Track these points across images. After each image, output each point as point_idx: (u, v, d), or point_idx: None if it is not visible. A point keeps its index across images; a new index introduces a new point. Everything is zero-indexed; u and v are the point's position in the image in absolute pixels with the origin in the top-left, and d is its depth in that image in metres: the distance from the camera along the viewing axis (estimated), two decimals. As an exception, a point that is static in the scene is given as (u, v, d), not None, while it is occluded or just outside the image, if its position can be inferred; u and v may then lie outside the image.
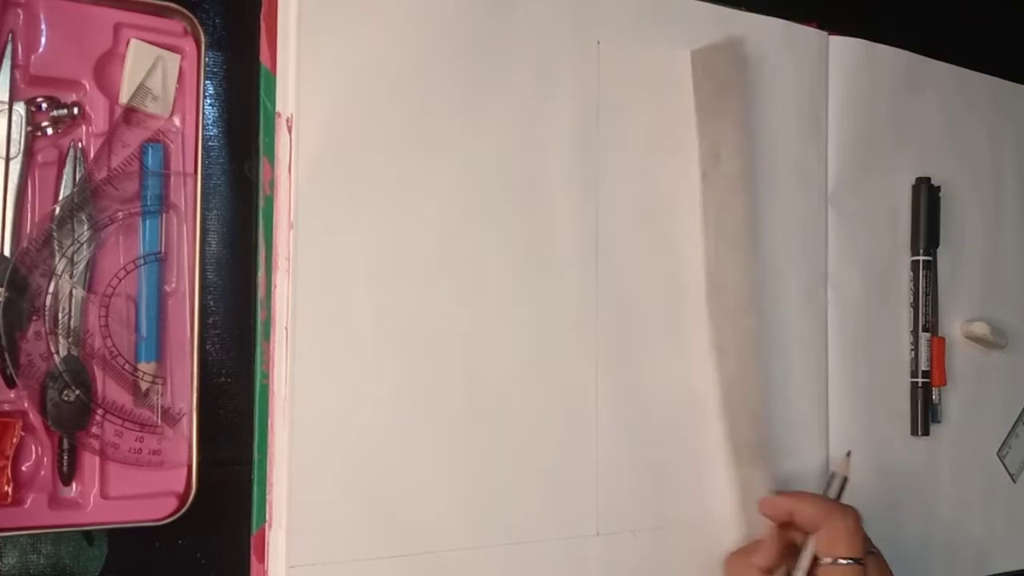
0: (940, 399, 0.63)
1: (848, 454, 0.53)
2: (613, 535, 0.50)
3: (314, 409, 0.42)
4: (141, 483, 0.41)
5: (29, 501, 0.39)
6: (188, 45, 0.43)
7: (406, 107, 0.45)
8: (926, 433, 0.62)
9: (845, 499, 0.52)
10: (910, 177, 0.63)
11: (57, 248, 0.39)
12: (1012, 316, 0.68)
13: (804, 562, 0.49)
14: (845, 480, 0.52)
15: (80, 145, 0.41)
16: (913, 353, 0.62)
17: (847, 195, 0.60)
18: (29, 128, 0.39)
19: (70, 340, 0.39)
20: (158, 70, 0.42)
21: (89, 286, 0.40)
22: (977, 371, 0.66)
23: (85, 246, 0.40)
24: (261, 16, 0.44)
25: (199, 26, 0.42)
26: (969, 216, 0.66)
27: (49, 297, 0.39)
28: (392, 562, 0.44)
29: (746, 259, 0.53)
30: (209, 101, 0.43)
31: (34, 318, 0.39)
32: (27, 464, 0.40)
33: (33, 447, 0.40)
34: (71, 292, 0.40)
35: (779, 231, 0.57)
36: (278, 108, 0.43)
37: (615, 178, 0.51)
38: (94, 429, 0.40)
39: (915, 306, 0.62)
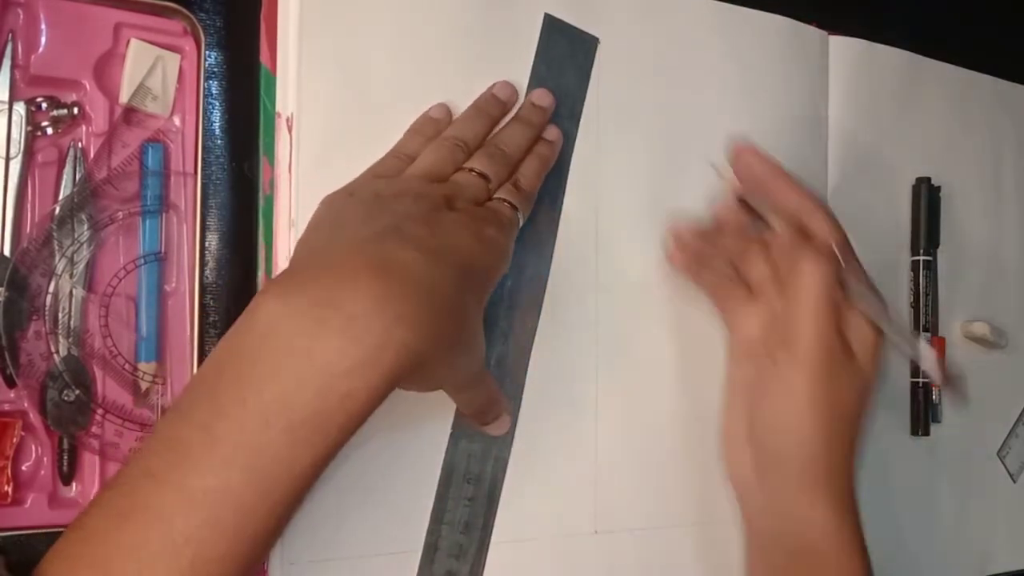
0: (940, 399, 0.63)
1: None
2: (611, 534, 0.50)
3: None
4: (141, 483, 0.41)
5: (29, 501, 0.39)
6: (188, 45, 0.43)
7: (406, 107, 0.45)
8: (926, 433, 0.62)
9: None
10: (910, 177, 0.63)
11: (57, 248, 0.39)
12: (1012, 316, 0.68)
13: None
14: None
15: (80, 145, 0.41)
16: (913, 353, 0.62)
17: (847, 195, 0.60)
18: (29, 128, 0.39)
19: (70, 340, 0.40)
20: (158, 70, 0.42)
21: (89, 286, 0.40)
22: (977, 371, 0.66)
23: (85, 246, 0.40)
24: (261, 16, 0.44)
25: (199, 26, 0.42)
26: (969, 216, 0.66)
27: (49, 297, 0.39)
28: (390, 559, 0.44)
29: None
30: (209, 101, 0.43)
31: (34, 318, 0.39)
32: (27, 464, 0.40)
33: (33, 447, 0.40)
34: (71, 292, 0.40)
35: (779, 231, 0.57)
36: (278, 108, 0.43)
37: (616, 177, 0.51)
38: (94, 429, 0.40)
39: (915, 306, 0.62)
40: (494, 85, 0.47)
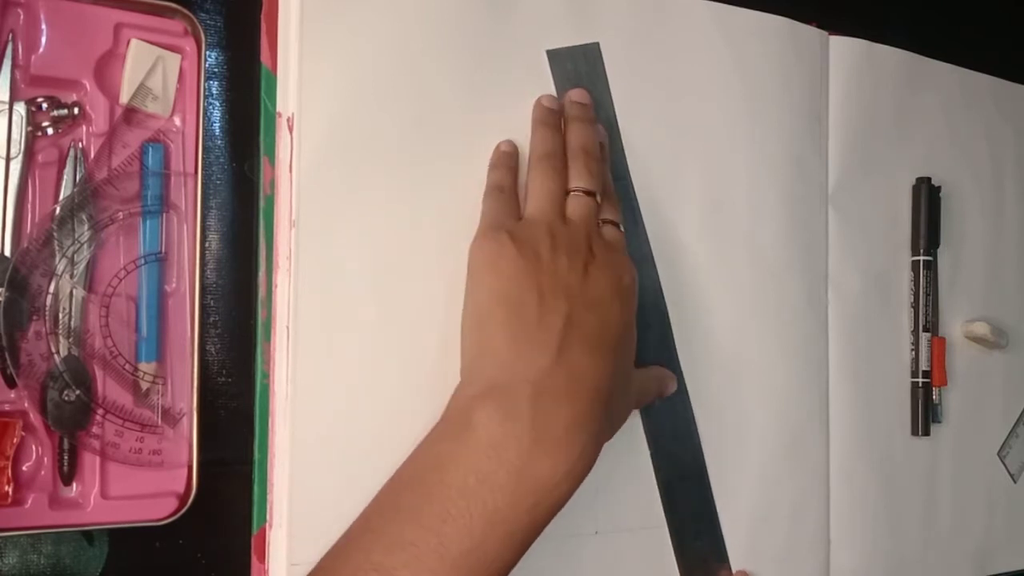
0: (940, 399, 0.63)
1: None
2: (612, 534, 0.50)
3: (315, 409, 0.42)
4: (141, 483, 0.41)
5: (29, 501, 0.39)
6: (188, 45, 0.43)
7: (407, 106, 0.45)
8: (926, 433, 0.62)
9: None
10: (910, 177, 0.63)
11: (57, 248, 0.39)
12: (1012, 316, 0.68)
13: None
14: None
15: (80, 145, 0.41)
16: (913, 353, 0.62)
17: (847, 195, 0.60)
18: (29, 128, 0.39)
19: (70, 340, 0.39)
20: (158, 70, 0.42)
21: (89, 286, 0.40)
22: (977, 371, 0.66)
23: (85, 246, 0.40)
24: (261, 16, 0.44)
25: (199, 26, 0.42)
26: (969, 216, 0.66)
27: (49, 297, 0.39)
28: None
29: None
30: (209, 101, 0.43)
31: (34, 318, 0.39)
32: (27, 464, 0.40)
33: (33, 447, 0.40)
34: (71, 292, 0.40)
35: (779, 231, 0.57)
36: (278, 108, 0.43)
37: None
38: (94, 429, 0.40)
39: (915, 306, 0.62)
40: (541, 98, 0.48)
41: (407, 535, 0.37)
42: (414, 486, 0.39)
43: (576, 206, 0.45)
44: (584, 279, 0.42)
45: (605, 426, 0.42)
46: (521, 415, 0.38)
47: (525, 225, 0.44)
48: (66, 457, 0.40)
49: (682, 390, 0.52)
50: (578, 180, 0.46)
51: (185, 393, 0.42)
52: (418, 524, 0.37)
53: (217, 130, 0.43)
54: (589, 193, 0.46)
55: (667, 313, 0.52)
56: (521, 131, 0.48)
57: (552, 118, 0.48)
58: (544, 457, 0.38)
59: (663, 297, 0.52)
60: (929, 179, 0.63)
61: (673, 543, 0.52)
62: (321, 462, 0.42)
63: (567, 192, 0.46)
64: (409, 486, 0.39)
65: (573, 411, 0.39)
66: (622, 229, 0.47)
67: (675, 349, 0.52)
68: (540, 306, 0.41)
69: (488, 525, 0.37)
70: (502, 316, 0.41)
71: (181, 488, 0.42)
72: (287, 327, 0.42)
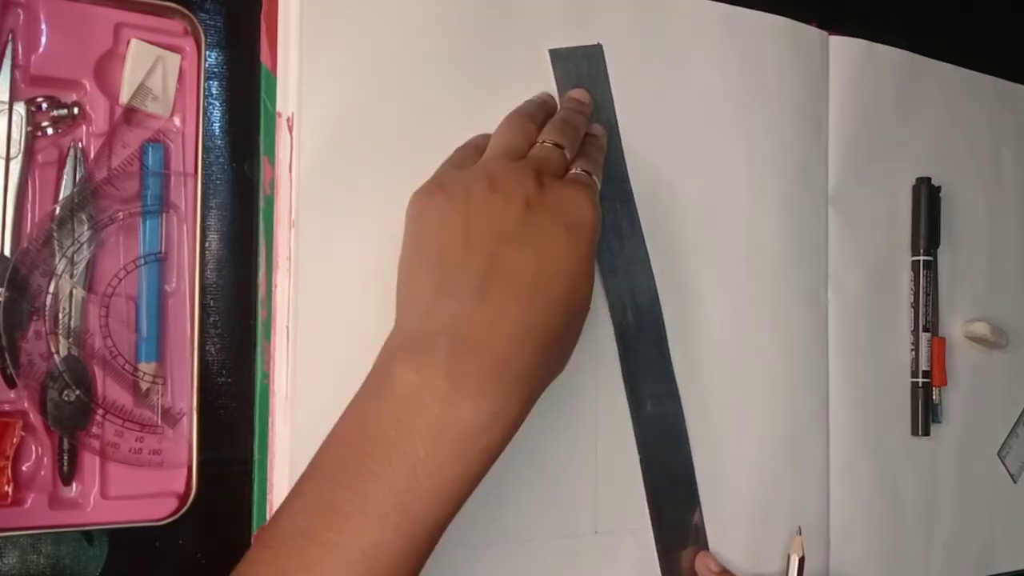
0: (940, 399, 0.63)
1: (799, 531, 0.53)
2: (612, 534, 0.50)
3: (315, 409, 0.42)
4: (141, 483, 0.41)
5: (29, 501, 0.39)
6: (188, 45, 0.43)
7: (407, 106, 0.45)
8: (926, 433, 0.62)
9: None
10: (910, 177, 0.63)
11: (57, 248, 0.39)
12: (1012, 316, 0.68)
13: None
14: (801, 560, 0.53)
15: (80, 145, 0.41)
16: (913, 353, 0.62)
17: (847, 195, 0.60)
18: (29, 128, 0.39)
19: (70, 340, 0.40)
20: (158, 70, 0.42)
21: (89, 286, 0.40)
22: (977, 371, 0.66)
23: (85, 246, 0.40)
24: (261, 16, 0.44)
25: (199, 26, 0.42)
26: (969, 216, 0.66)
27: (49, 297, 0.39)
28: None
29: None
30: (209, 101, 0.43)
31: (34, 318, 0.39)
32: (27, 464, 0.40)
33: (33, 447, 0.40)
34: (71, 292, 0.40)
35: (779, 231, 0.57)
36: (278, 108, 0.43)
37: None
38: (94, 429, 0.40)
39: (915, 306, 0.62)
40: (537, 95, 0.48)
41: (333, 497, 0.35)
42: (339, 446, 0.37)
43: (536, 152, 0.42)
44: (523, 217, 0.39)
45: (542, 369, 0.38)
46: (437, 361, 0.36)
47: (464, 172, 0.41)
48: (66, 457, 0.40)
49: (673, 395, 0.52)
50: (548, 134, 0.43)
51: (185, 393, 0.42)
52: (342, 485, 0.35)
53: (217, 130, 0.43)
54: (557, 146, 0.43)
55: (661, 316, 0.52)
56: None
57: (542, 102, 0.47)
58: (466, 402, 0.35)
59: (658, 299, 0.52)
60: (929, 179, 0.63)
61: (658, 548, 0.51)
62: (321, 462, 0.42)
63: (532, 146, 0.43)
64: (335, 446, 0.37)
65: (493, 354, 0.36)
66: (598, 183, 0.43)
67: (668, 354, 0.52)
68: (465, 249, 0.38)
69: (412, 478, 0.34)
70: (428, 265, 0.39)
71: (181, 488, 0.42)
72: (287, 327, 0.42)
